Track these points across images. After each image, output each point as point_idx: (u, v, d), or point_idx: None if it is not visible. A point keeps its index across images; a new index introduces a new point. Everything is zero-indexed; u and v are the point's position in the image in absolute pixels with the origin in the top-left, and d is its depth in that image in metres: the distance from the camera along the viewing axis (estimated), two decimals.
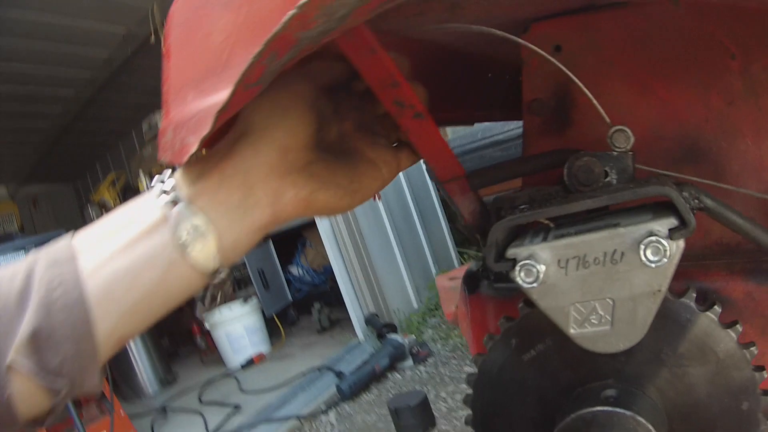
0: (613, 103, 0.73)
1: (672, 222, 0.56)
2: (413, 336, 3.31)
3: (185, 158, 0.52)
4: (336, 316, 3.98)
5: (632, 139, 0.66)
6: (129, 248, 0.54)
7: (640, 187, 0.59)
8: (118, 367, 4.38)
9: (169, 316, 0.60)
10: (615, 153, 0.67)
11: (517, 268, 0.60)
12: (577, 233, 0.60)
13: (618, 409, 0.62)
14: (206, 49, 0.54)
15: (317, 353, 3.49)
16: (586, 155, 0.68)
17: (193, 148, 0.51)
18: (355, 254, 3.44)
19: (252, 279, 4.51)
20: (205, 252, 0.54)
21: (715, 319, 0.64)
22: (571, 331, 0.62)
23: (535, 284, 0.59)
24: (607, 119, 0.68)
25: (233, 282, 4.78)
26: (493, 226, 0.62)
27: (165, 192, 0.55)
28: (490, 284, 0.89)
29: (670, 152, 0.80)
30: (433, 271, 4.39)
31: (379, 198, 3.73)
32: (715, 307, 0.64)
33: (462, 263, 4.79)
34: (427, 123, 0.69)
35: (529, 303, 0.69)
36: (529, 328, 0.71)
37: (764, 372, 0.67)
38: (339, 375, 2.90)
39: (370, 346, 3.33)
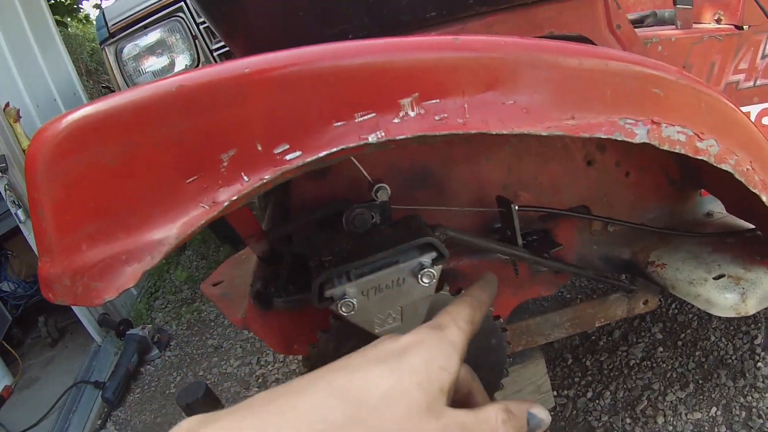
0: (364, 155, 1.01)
1: (433, 254, 0.87)
2: (149, 325, 3.34)
3: (97, 302, 0.61)
4: (63, 324, 3.84)
5: (389, 192, 0.95)
6: None
7: (413, 238, 0.88)
8: None
9: None
10: (378, 202, 0.96)
11: (339, 304, 0.85)
12: (371, 271, 0.87)
13: None
14: (97, 202, 0.61)
15: (63, 368, 3.36)
16: (358, 207, 0.95)
17: (108, 295, 0.61)
18: None
19: None
20: None
21: (447, 293, 0.97)
22: (376, 330, 0.90)
23: (352, 312, 0.86)
24: (370, 179, 0.96)
25: None
26: (314, 280, 0.87)
27: None
28: (285, 301, 1.10)
29: (407, 180, 1.12)
30: None
31: None
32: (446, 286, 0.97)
33: None
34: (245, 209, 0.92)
35: (338, 317, 0.95)
36: (341, 333, 0.98)
37: (500, 319, 1.03)
38: (98, 385, 2.87)
39: (113, 347, 3.31)
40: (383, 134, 0.67)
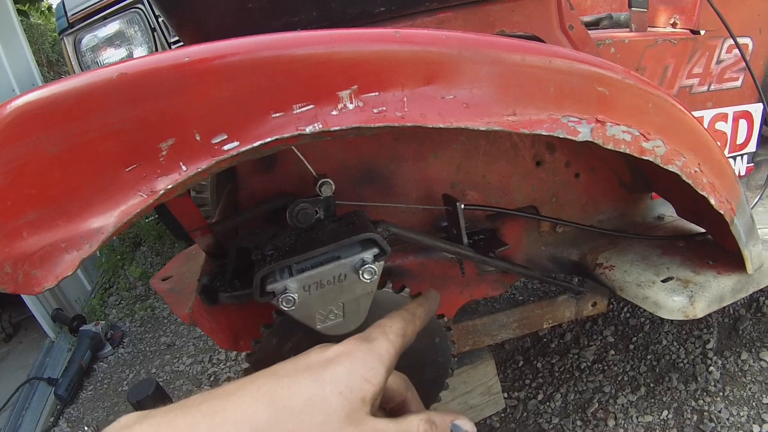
0: (311, 150, 1.00)
1: (375, 251, 0.86)
2: (103, 321, 3.29)
3: (37, 290, 0.62)
4: (18, 320, 3.75)
5: (334, 187, 0.94)
6: None
7: (355, 234, 0.87)
8: None
9: None
10: (322, 197, 0.95)
11: (279, 299, 0.84)
12: (313, 267, 0.86)
13: None
14: (39, 189, 0.61)
15: (17, 364, 3.29)
16: (302, 202, 0.94)
17: (48, 283, 0.62)
18: None
19: None
20: None
21: (390, 290, 0.97)
22: (318, 326, 0.89)
23: (293, 308, 0.85)
24: (314, 173, 0.95)
25: None
26: (256, 274, 0.85)
27: None
28: (230, 296, 1.09)
29: (354, 176, 1.11)
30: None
31: None
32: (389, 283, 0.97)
33: None
34: (187, 199, 0.90)
35: (280, 312, 0.94)
36: (284, 329, 0.97)
37: (444, 318, 1.02)
38: (51, 382, 2.81)
39: (67, 343, 3.24)
40: (320, 126, 0.66)
